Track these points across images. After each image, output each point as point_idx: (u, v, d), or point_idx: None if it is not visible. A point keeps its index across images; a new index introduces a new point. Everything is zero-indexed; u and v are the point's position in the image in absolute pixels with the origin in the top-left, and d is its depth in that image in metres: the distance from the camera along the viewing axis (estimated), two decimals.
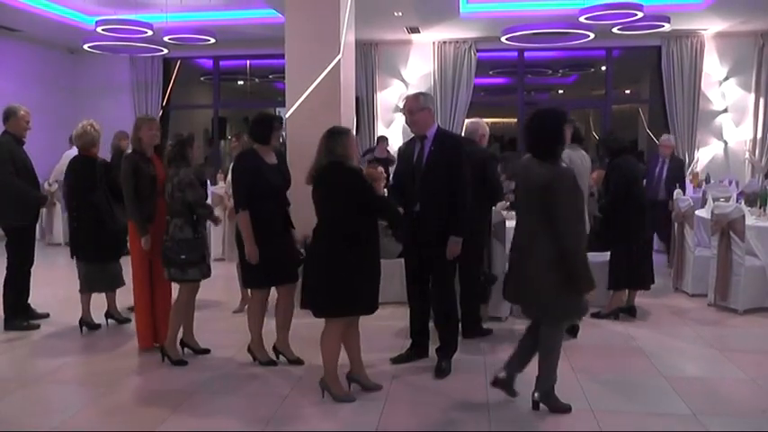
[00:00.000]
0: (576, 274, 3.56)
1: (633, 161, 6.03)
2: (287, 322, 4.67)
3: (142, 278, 4.86)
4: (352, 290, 3.85)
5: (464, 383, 4.36)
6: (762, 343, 5.30)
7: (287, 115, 6.58)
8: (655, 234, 7.76)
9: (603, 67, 12.27)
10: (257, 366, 4.64)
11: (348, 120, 6.77)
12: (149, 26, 8.54)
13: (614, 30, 8.90)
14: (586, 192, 5.22)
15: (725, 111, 10.99)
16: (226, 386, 4.33)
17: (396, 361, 4.68)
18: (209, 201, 6.06)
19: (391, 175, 5.21)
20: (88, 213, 5.33)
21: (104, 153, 5.85)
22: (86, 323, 5.49)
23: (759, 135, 10.83)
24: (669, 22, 8.59)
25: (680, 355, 5.01)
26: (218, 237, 7.97)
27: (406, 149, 4.68)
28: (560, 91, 17.93)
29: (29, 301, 5.75)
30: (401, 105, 11.48)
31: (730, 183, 9.88)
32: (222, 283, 6.64)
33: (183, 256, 4.52)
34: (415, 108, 4.48)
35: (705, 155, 11.08)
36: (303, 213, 6.23)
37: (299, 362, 4.64)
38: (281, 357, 4.68)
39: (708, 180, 10.06)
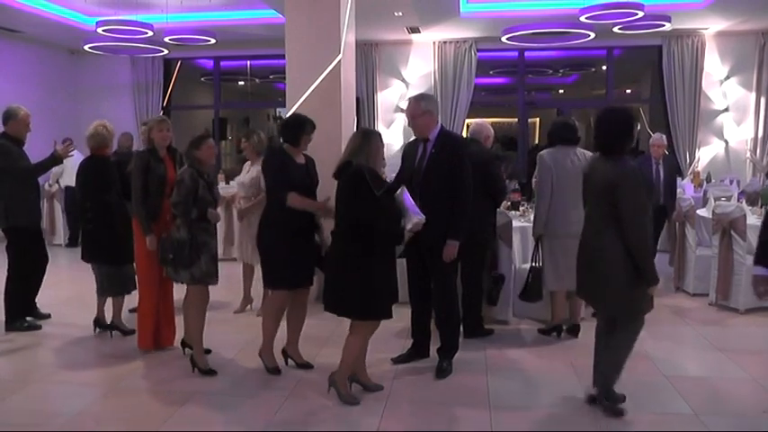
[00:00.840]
0: (644, 268, 3.60)
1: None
2: (300, 325, 4.63)
3: (148, 279, 4.83)
4: (382, 293, 3.85)
5: (466, 384, 4.36)
6: (763, 342, 5.30)
7: (287, 116, 6.58)
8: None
9: (604, 67, 12.27)
10: (255, 368, 4.64)
11: (348, 120, 6.77)
12: (150, 27, 8.54)
13: (615, 29, 8.89)
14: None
15: (726, 110, 10.98)
16: (226, 387, 4.32)
17: (397, 361, 4.68)
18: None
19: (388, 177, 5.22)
20: (102, 214, 5.26)
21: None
22: (99, 323, 5.47)
23: (760, 134, 10.82)
24: (670, 21, 8.59)
25: (681, 354, 5.01)
26: (219, 236, 7.96)
27: (408, 150, 4.67)
28: (561, 91, 17.93)
29: (35, 299, 5.75)
30: (402, 105, 11.51)
31: (731, 182, 9.87)
32: (224, 282, 6.62)
33: (170, 255, 4.45)
34: (416, 113, 4.47)
35: (706, 154, 11.07)
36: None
37: (307, 366, 4.59)
38: (290, 361, 4.64)
39: (709, 179, 10.06)
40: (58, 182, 9.88)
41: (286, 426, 3.75)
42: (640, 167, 5.34)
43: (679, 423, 3.77)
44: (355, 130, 7.38)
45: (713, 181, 9.95)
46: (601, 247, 3.69)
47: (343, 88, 6.54)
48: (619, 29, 8.86)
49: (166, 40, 9.47)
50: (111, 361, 4.84)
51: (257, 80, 15.88)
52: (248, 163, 6.05)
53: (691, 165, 10.86)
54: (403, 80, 11.69)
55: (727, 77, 10.93)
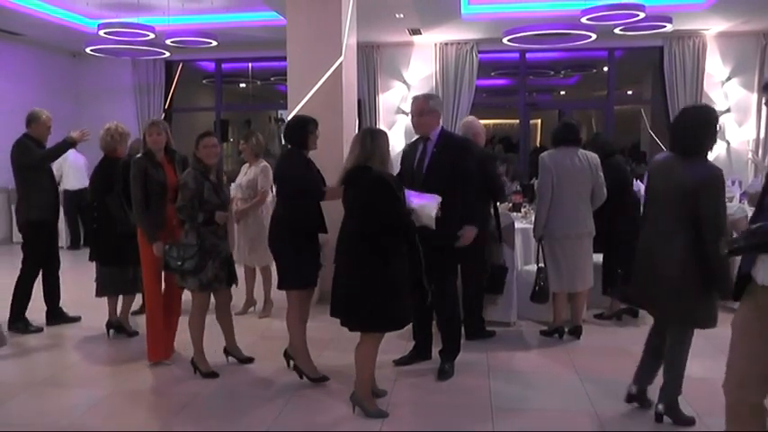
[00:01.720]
0: (718, 278, 3.44)
1: (624, 163, 6.08)
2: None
3: (153, 288, 4.70)
4: (389, 304, 3.68)
5: (467, 386, 4.37)
6: None
7: (289, 118, 6.59)
8: None
9: (605, 68, 12.25)
10: (258, 369, 4.65)
11: (350, 122, 6.78)
12: (151, 29, 8.54)
13: (616, 30, 8.89)
14: (587, 193, 5.20)
15: (727, 111, 10.96)
16: (228, 389, 4.33)
17: (399, 363, 4.68)
18: None
19: None
20: (103, 214, 5.31)
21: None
22: (111, 325, 5.49)
23: (762, 135, 10.81)
24: (671, 22, 8.58)
25: None
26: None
27: (408, 151, 4.67)
28: (562, 92, 17.92)
29: (60, 303, 5.80)
30: (403, 107, 11.51)
31: (733, 183, 9.84)
32: None
33: (178, 263, 4.36)
34: (425, 110, 4.48)
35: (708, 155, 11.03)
36: None
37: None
38: (291, 363, 4.63)
39: None
40: (58, 184, 9.87)
41: (286, 428, 3.75)
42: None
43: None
44: (357, 131, 7.41)
45: None
46: (671, 253, 3.52)
47: (345, 90, 6.54)
48: (620, 30, 8.86)
49: (168, 42, 9.47)
50: (113, 363, 4.85)
51: (259, 82, 15.89)
52: (246, 165, 6.05)
53: None
54: (404, 82, 11.69)
55: (729, 78, 10.92)
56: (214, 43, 9.70)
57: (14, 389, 4.27)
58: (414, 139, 4.68)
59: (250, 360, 4.79)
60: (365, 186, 3.69)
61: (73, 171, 9.93)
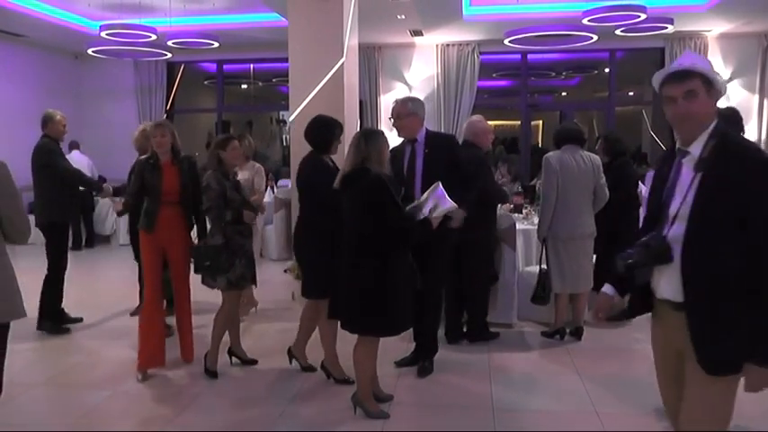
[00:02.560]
0: None
1: (631, 164, 6.09)
2: (311, 332, 4.60)
3: (151, 289, 4.59)
4: (387, 308, 3.65)
5: (469, 386, 4.37)
6: None
7: (290, 119, 6.60)
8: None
9: (607, 69, 12.25)
10: (259, 370, 4.66)
11: (352, 123, 6.78)
12: (153, 30, 8.56)
13: (617, 32, 8.89)
14: (589, 193, 5.21)
15: None
16: (229, 390, 4.34)
17: (400, 364, 4.69)
18: None
19: None
20: (136, 215, 5.17)
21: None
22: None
23: (763, 136, 10.79)
24: (672, 23, 8.59)
25: None
26: None
27: (395, 154, 4.50)
28: (563, 93, 17.92)
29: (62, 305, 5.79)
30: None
31: None
32: None
33: (206, 263, 4.40)
34: (402, 113, 4.51)
35: None
36: None
37: (311, 368, 4.60)
38: (294, 363, 4.65)
39: None
40: None
41: (288, 428, 3.76)
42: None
43: None
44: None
45: None
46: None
47: (346, 91, 6.55)
48: (621, 31, 8.86)
49: (170, 43, 9.49)
50: (117, 362, 4.85)
51: (260, 83, 15.91)
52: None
53: None
54: (406, 83, 11.70)
55: (730, 80, 10.91)
56: (216, 44, 9.72)
57: (16, 389, 4.27)
58: (400, 143, 4.66)
59: (254, 362, 4.79)
60: (363, 187, 3.67)
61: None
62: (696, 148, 2.26)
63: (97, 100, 12.28)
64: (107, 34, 8.55)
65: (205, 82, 14.98)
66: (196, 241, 4.67)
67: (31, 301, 5.61)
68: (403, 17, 9.49)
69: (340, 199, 3.81)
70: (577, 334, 5.36)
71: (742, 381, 2.22)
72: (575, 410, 3.99)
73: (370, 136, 3.77)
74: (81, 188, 6.14)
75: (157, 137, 4.61)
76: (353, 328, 3.79)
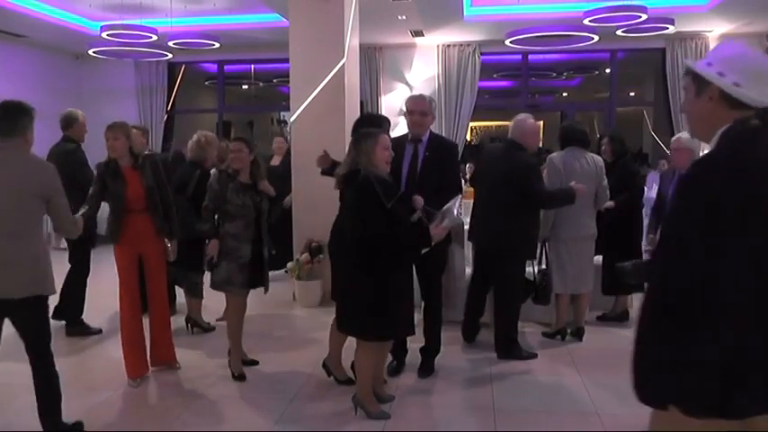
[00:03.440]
0: None
1: (633, 164, 6.07)
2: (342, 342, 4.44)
3: (128, 299, 4.42)
4: (386, 312, 3.62)
5: (470, 387, 4.37)
6: None
7: (291, 119, 6.60)
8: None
9: (608, 70, 12.26)
10: (260, 370, 4.66)
11: (352, 124, 6.78)
12: (154, 31, 8.56)
13: (618, 32, 8.88)
14: (591, 195, 5.19)
15: None
16: (231, 390, 4.33)
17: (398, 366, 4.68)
18: None
19: None
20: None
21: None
22: (195, 323, 5.57)
23: None
24: (673, 24, 8.58)
25: None
26: None
27: (394, 149, 4.30)
28: (564, 94, 17.92)
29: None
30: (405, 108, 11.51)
31: None
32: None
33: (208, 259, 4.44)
34: (428, 111, 4.50)
35: None
36: (305, 219, 6.26)
37: (349, 382, 4.34)
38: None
39: None
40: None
41: (289, 429, 3.76)
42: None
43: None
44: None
45: None
46: None
47: (347, 92, 6.55)
48: (622, 32, 8.85)
49: (170, 44, 9.50)
50: (117, 362, 4.84)
51: (261, 84, 15.91)
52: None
53: None
54: (407, 84, 11.69)
55: None
56: (216, 45, 9.73)
57: (18, 389, 4.27)
58: (401, 136, 4.58)
59: (255, 362, 4.78)
60: (353, 189, 3.65)
61: None
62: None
63: (98, 101, 12.27)
64: (108, 35, 8.55)
65: (206, 82, 14.99)
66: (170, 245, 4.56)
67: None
68: (404, 18, 9.49)
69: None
70: (578, 334, 5.36)
71: None
72: (576, 411, 3.98)
73: (360, 138, 3.74)
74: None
75: (110, 140, 4.28)
76: (352, 331, 3.79)
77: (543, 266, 5.31)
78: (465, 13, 9.49)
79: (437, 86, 11.45)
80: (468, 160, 11.07)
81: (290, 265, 6.54)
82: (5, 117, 3.26)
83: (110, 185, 4.30)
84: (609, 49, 11.11)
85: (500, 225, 4.75)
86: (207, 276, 4.89)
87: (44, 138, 6.24)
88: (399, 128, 11.68)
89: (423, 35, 10.84)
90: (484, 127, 18.11)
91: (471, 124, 11.15)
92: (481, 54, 11.34)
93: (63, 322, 5.49)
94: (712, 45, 10.79)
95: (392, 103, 11.77)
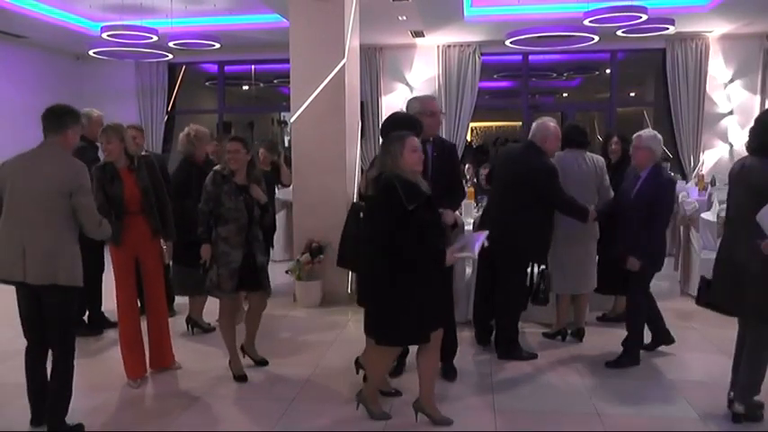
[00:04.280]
0: None
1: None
2: None
3: (124, 301, 4.44)
4: (390, 320, 3.57)
5: (470, 387, 4.37)
6: None
7: (292, 120, 6.60)
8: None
9: (608, 70, 12.25)
10: (261, 370, 4.66)
11: (353, 125, 6.79)
12: (154, 32, 8.56)
13: (618, 32, 8.88)
14: (592, 195, 5.18)
15: (730, 113, 10.95)
16: (232, 390, 4.34)
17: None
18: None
19: None
20: (178, 217, 4.93)
21: None
22: (195, 323, 5.58)
23: None
24: (674, 24, 8.58)
25: (686, 358, 5.00)
26: None
27: None
28: (565, 94, 17.91)
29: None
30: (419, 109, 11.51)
31: None
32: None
33: (202, 260, 4.43)
34: (439, 113, 4.52)
35: (711, 157, 11.05)
36: (306, 220, 6.26)
37: (396, 393, 4.23)
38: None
39: (713, 183, 10.03)
40: None
41: (291, 427, 3.76)
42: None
43: (684, 427, 3.76)
44: (360, 134, 7.42)
45: (718, 184, 9.92)
46: (747, 251, 3.58)
47: (348, 92, 6.55)
48: (622, 32, 8.85)
49: (171, 44, 9.49)
50: (118, 363, 4.85)
51: (261, 84, 15.90)
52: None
53: (695, 168, 10.84)
54: (407, 84, 11.70)
55: (732, 80, 10.90)
56: (217, 45, 9.72)
57: (18, 390, 4.27)
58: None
59: (265, 362, 4.77)
60: (377, 190, 3.61)
61: None
62: None
63: (98, 101, 12.16)
64: (108, 35, 8.55)
65: (206, 83, 14.98)
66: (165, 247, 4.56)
67: None
68: (404, 18, 9.49)
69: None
70: (579, 335, 5.36)
71: None
72: (576, 412, 3.98)
73: (387, 141, 3.69)
74: None
75: (104, 144, 4.31)
76: (367, 332, 3.77)
77: (542, 267, 5.31)
78: (465, 14, 9.50)
79: (437, 87, 11.45)
80: (467, 161, 11.07)
81: (291, 265, 6.55)
82: (52, 117, 3.58)
83: (107, 188, 4.28)
84: (609, 49, 11.11)
85: (509, 224, 4.75)
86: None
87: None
88: None
89: (423, 35, 10.84)
90: (484, 127, 18.12)
91: (471, 125, 11.14)
92: (481, 54, 11.34)
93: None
94: (713, 45, 10.80)
95: (393, 104, 11.76)
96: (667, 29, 8.66)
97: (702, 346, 5.27)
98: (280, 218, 8.92)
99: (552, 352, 5.11)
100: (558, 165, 5.13)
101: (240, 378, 4.46)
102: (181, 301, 5.79)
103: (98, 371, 4.80)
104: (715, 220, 6.34)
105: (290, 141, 6.74)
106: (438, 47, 11.40)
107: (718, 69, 10.89)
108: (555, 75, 14.92)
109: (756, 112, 10.75)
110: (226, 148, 4.47)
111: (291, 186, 6.87)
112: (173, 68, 12.41)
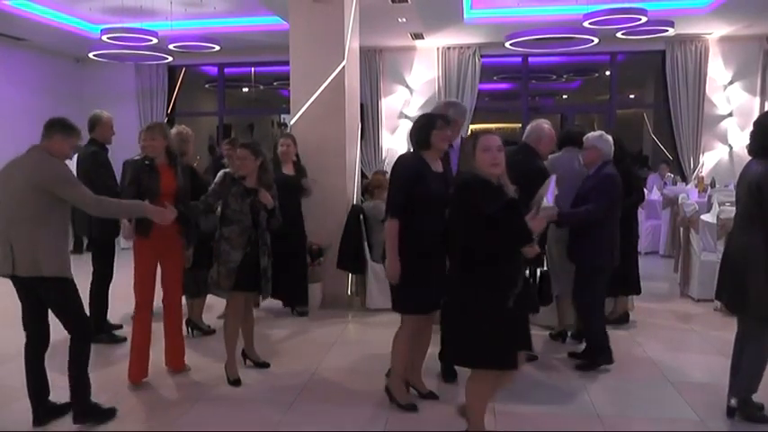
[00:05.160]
0: None
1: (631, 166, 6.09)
2: (426, 348, 4.17)
3: (143, 303, 4.46)
4: (499, 338, 3.29)
5: None
6: None
7: (292, 122, 6.60)
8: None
9: (608, 72, 12.28)
10: (261, 371, 4.66)
11: (353, 127, 6.79)
12: (154, 34, 8.58)
13: (618, 34, 8.90)
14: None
15: (730, 115, 10.97)
16: (233, 390, 4.34)
17: None
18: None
19: None
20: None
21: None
22: (195, 326, 5.58)
23: None
24: (673, 26, 8.60)
25: (686, 360, 4.99)
26: None
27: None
28: (564, 96, 17.95)
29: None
30: (406, 112, 11.55)
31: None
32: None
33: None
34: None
35: (710, 159, 11.06)
36: (306, 222, 6.26)
37: (431, 396, 4.18)
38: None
39: (713, 184, 10.05)
40: None
41: (291, 427, 3.76)
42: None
43: (684, 428, 3.76)
44: (359, 136, 7.42)
45: (717, 186, 9.94)
46: (743, 247, 3.67)
47: (347, 94, 6.55)
48: (622, 34, 8.87)
49: (171, 47, 9.51)
50: (119, 365, 4.85)
51: (261, 87, 15.94)
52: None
53: (695, 170, 10.85)
54: (407, 86, 11.72)
55: (731, 82, 10.93)
56: (217, 48, 9.74)
57: (20, 392, 4.27)
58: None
59: (266, 365, 4.77)
60: (455, 195, 3.37)
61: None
62: None
63: (98, 104, 12.11)
64: (108, 38, 8.57)
65: (206, 85, 15.01)
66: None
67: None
68: (404, 20, 9.51)
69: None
70: (579, 337, 5.35)
71: None
72: (576, 413, 3.98)
73: (464, 141, 3.64)
74: None
75: (147, 140, 4.45)
76: (460, 362, 3.58)
77: (543, 268, 5.31)
78: (465, 16, 9.52)
79: (437, 89, 11.47)
80: None
81: None
82: (46, 124, 3.81)
83: (144, 179, 4.37)
84: (609, 51, 11.13)
85: None
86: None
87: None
88: (399, 131, 11.73)
89: (423, 38, 10.86)
90: (484, 129, 18.07)
91: (471, 127, 11.15)
92: (481, 56, 11.36)
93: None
94: (712, 47, 10.82)
95: (392, 106, 11.80)
96: (667, 31, 8.68)
97: (702, 348, 5.27)
98: None
99: (553, 353, 5.11)
100: (553, 165, 5.14)
101: (234, 382, 4.45)
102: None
103: (97, 373, 4.80)
104: (715, 221, 6.34)
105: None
106: (438, 49, 11.42)
107: (718, 71, 10.91)
108: (555, 77, 14.94)
109: (756, 114, 10.78)
110: (235, 155, 4.51)
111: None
112: (172, 71, 12.44)
